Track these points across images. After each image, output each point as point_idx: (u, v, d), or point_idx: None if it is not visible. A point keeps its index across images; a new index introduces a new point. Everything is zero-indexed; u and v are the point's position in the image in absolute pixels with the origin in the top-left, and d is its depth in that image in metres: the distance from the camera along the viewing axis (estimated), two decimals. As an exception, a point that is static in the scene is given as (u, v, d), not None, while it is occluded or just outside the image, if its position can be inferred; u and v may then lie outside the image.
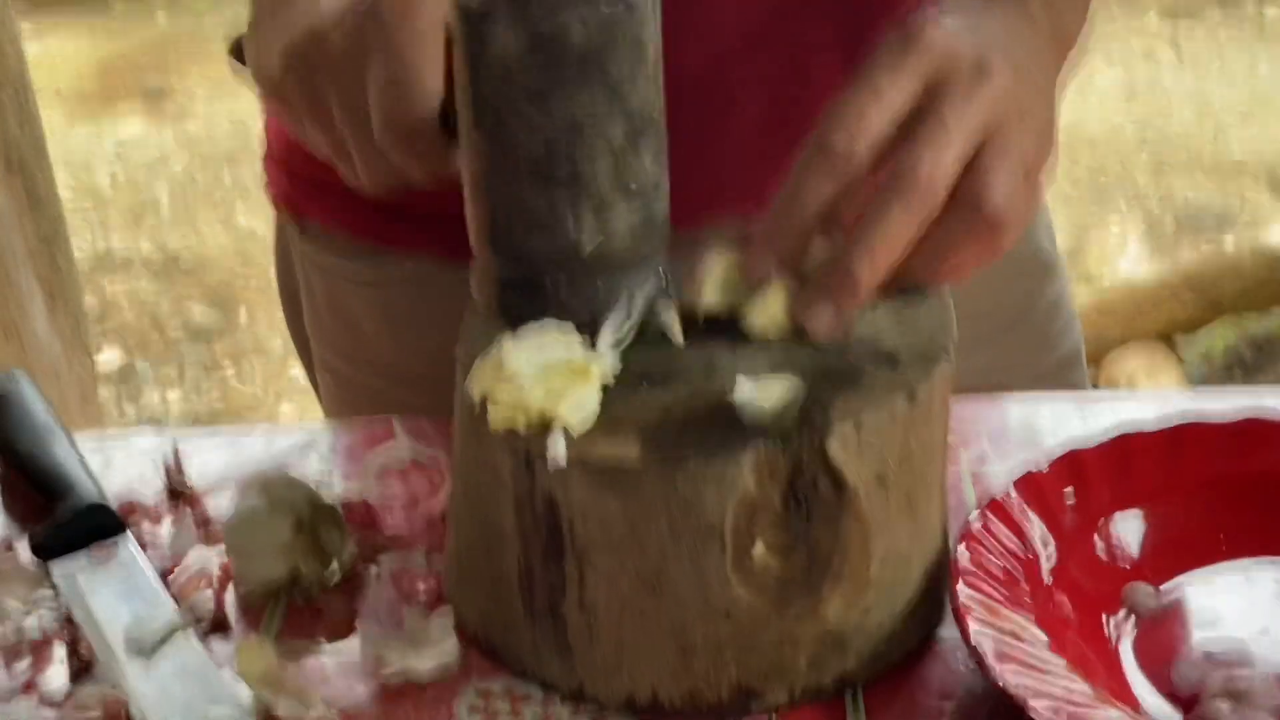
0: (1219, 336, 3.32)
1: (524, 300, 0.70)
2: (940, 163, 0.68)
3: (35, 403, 0.89)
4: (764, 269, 0.72)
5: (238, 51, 0.81)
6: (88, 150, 4.70)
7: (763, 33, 0.90)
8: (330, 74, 0.73)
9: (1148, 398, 0.92)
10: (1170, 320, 3.20)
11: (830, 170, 0.69)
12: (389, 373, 1.03)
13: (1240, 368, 3.23)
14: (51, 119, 4.77)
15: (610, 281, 0.70)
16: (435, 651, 0.72)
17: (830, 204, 0.70)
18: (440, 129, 0.71)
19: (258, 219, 4.14)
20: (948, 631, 0.73)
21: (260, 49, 0.77)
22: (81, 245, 4.00)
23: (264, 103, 0.79)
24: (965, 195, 0.70)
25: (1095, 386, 3.14)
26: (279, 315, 1.15)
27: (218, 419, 3.37)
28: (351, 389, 1.07)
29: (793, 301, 0.71)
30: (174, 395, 3.47)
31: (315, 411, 1.16)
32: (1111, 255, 3.58)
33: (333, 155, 0.76)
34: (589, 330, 0.70)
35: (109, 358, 3.59)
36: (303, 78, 0.74)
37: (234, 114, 4.85)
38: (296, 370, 3.44)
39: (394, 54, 0.70)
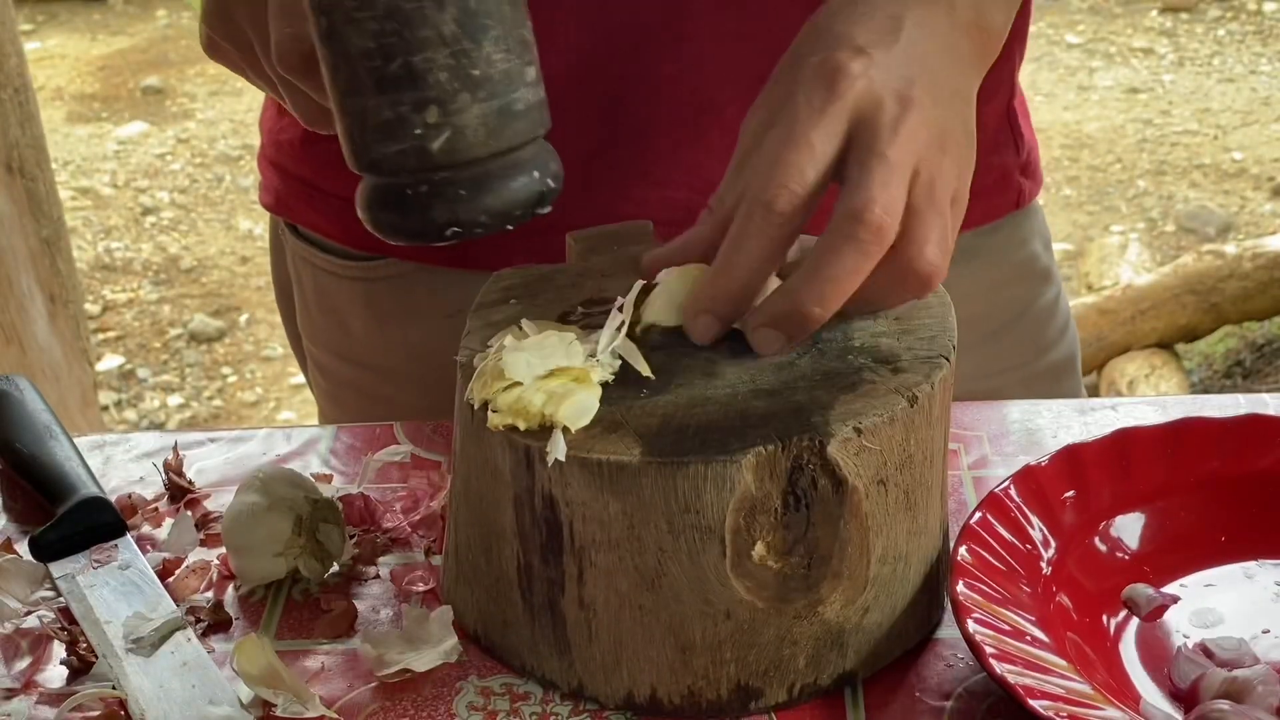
0: (1219, 341, 3.33)
1: (393, 213, 0.67)
2: (891, 203, 0.67)
3: (36, 404, 0.89)
4: (709, 333, 0.71)
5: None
6: (88, 151, 4.70)
7: (741, 33, 0.90)
8: (245, 16, 0.75)
9: (1148, 403, 0.92)
10: (1171, 324, 3.20)
11: (772, 232, 0.68)
12: (376, 369, 1.04)
13: (1240, 373, 3.24)
14: (52, 119, 4.78)
15: (473, 183, 0.67)
16: (435, 650, 0.72)
17: (773, 262, 0.70)
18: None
19: (258, 221, 4.15)
20: (947, 630, 0.73)
21: (202, 14, 0.79)
22: (82, 246, 4.00)
23: (214, 59, 0.82)
24: (901, 250, 0.69)
25: (1096, 391, 3.15)
26: (279, 319, 1.16)
27: (217, 424, 3.37)
28: (340, 385, 1.08)
29: (746, 322, 0.71)
30: (174, 401, 3.47)
31: (315, 415, 1.17)
32: (1112, 259, 3.58)
33: (278, 97, 0.78)
34: (455, 237, 0.67)
35: (109, 362, 3.59)
36: (228, 28, 0.77)
37: (234, 115, 4.86)
38: (297, 376, 3.45)
39: (278, 14, 0.71)
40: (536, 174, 0.68)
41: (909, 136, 0.69)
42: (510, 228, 0.67)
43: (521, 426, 0.67)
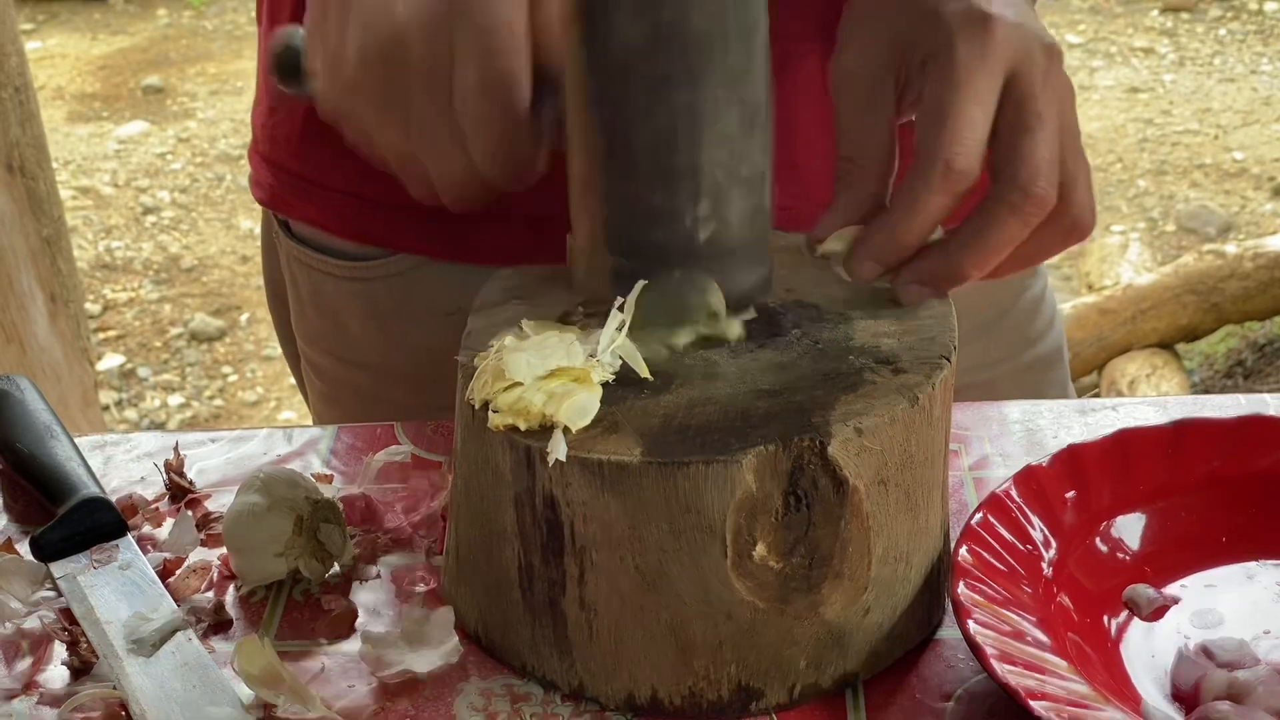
0: (1220, 341, 3.33)
1: (648, 293, 0.70)
2: (1053, 170, 0.69)
3: (37, 404, 0.89)
4: (874, 275, 0.74)
5: (284, 60, 0.77)
6: (89, 150, 4.70)
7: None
8: (411, 80, 0.71)
9: (1149, 403, 0.92)
10: (1171, 324, 3.20)
11: (953, 189, 0.70)
12: (374, 370, 1.04)
13: (1241, 372, 3.23)
14: (53, 118, 4.78)
15: (723, 270, 0.70)
16: (435, 651, 0.72)
17: (947, 215, 0.72)
18: (529, 129, 0.71)
19: (259, 220, 4.14)
20: (948, 630, 0.73)
21: (327, 52, 0.73)
22: (82, 245, 4.00)
23: (324, 112, 0.76)
24: (1062, 207, 0.71)
25: (1097, 391, 3.15)
26: (273, 320, 1.15)
27: (218, 424, 3.37)
28: (337, 386, 1.07)
29: (897, 276, 0.73)
30: (175, 400, 3.47)
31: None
32: (1113, 259, 3.58)
33: (399, 168, 0.75)
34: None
35: (110, 362, 3.59)
36: (381, 84, 0.72)
37: (234, 114, 4.86)
38: (297, 373, 3.45)
39: (489, 56, 0.69)
40: (768, 267, 0.73)
41: (1056, 88, 0.71)
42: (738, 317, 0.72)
43: (522, 426, 0.67)
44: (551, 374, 0.69)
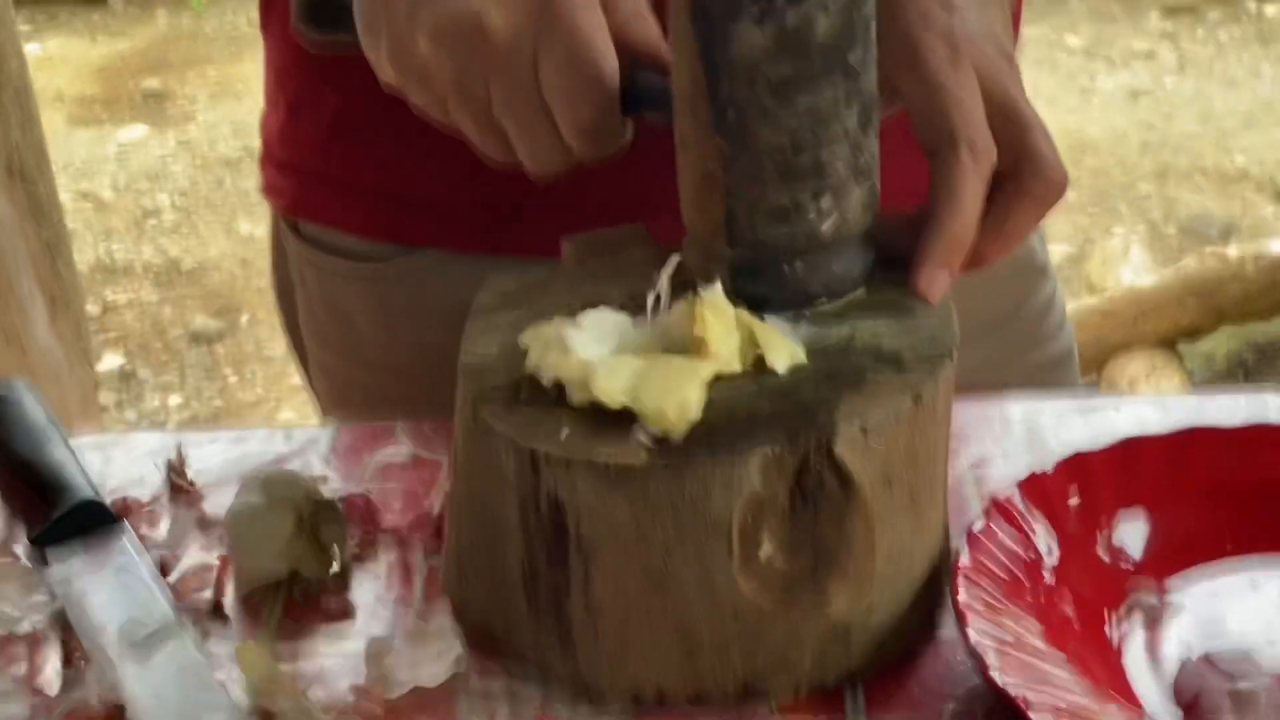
0: (1221, 341, 3.32)
1: (766, 286, 0.72)
2: (974, 116, 0.72)
3: (34, 407, 0.89)
4: (945, 287, 0.75)
5: (320, 9, 0.79)
6: (89, 154, 4.70)
7: None
8: (492, 59, 0.72)
9: (1150, 402, 0.92)
10: (1173, 326, 3.20)
11: (982, 170, 0.73)
12: (384, 369, 1.03)
13: (1242, 372, 3.23)
14: (53, 122, 4.78)
15: (843, 257, 0.73)
16: (438, 658, 0.72)
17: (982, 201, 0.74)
18: (619, 110, 0.73)
19: (259, 224, 4.14)
20: (949, 628, 0.73)
21: (393, 30, 0.74)
22: (82, 248, 4.00)
23: (386, 85, 0.77)
24: (1022, 161, 0.74)
25: (1097, 391, 3.14)
26: (279, 320, 1.15)
27: (218, 424, 3.37)
28: (347, 386, 1.07)
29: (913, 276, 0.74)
30: (174, 401, 3.47)
31: (315, 417, 1.16)
32: (1114, 262, 3.58)
33: (480, 141, 0.75)
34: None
35: (110, 363, 3.59)
36: (456, 61, 0.72)
37: (234, 117, 4.86)
38: (297, 376, 3.44)
39: (575, 39, 0.71)
40: (873, 248, 0.75)
41: (965, 55, 0.74)
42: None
43: (616, 405, 0.66)
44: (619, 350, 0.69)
